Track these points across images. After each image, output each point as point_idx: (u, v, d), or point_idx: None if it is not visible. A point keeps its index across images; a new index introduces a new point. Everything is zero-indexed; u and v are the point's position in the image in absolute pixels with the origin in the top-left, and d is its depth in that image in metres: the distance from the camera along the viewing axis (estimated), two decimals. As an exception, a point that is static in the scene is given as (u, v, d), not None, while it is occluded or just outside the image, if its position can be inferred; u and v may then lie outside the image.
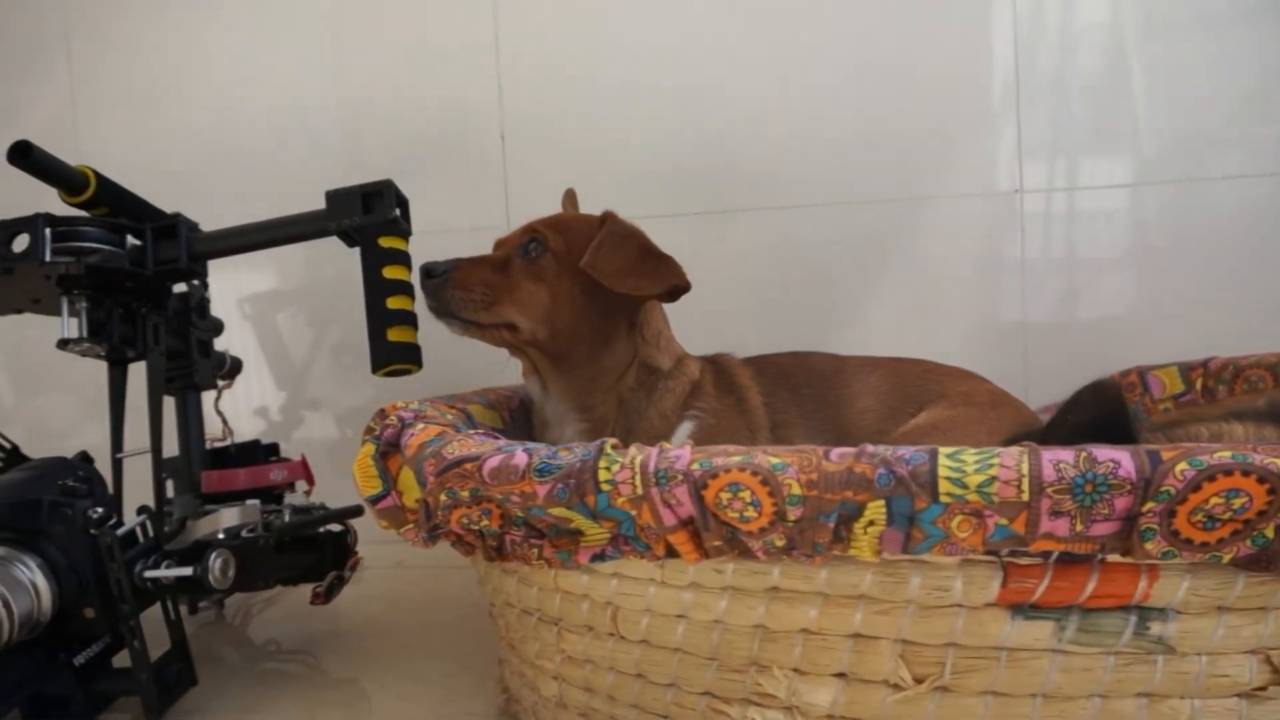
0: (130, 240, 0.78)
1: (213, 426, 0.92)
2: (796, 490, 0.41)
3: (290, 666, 0.78)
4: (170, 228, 0.79)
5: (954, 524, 0.39)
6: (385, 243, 0.77)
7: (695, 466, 0.43)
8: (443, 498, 0.51)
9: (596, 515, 0.46)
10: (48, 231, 0.73)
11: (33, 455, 0.83)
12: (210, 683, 0.70)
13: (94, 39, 1.25)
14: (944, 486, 0.39)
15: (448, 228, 1.06)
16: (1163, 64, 1.01)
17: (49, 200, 1.33)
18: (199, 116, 1.22)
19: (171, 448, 0.82)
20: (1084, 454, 0.38)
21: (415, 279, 0.76)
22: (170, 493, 0.81)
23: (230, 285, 1.23)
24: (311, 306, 1.25)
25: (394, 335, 0.75)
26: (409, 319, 0.76)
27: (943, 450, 0.40)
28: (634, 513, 0.44)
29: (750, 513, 0.42)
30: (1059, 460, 0.38)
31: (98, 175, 0.81)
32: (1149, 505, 0.37)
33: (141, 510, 0.67)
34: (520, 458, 0.48)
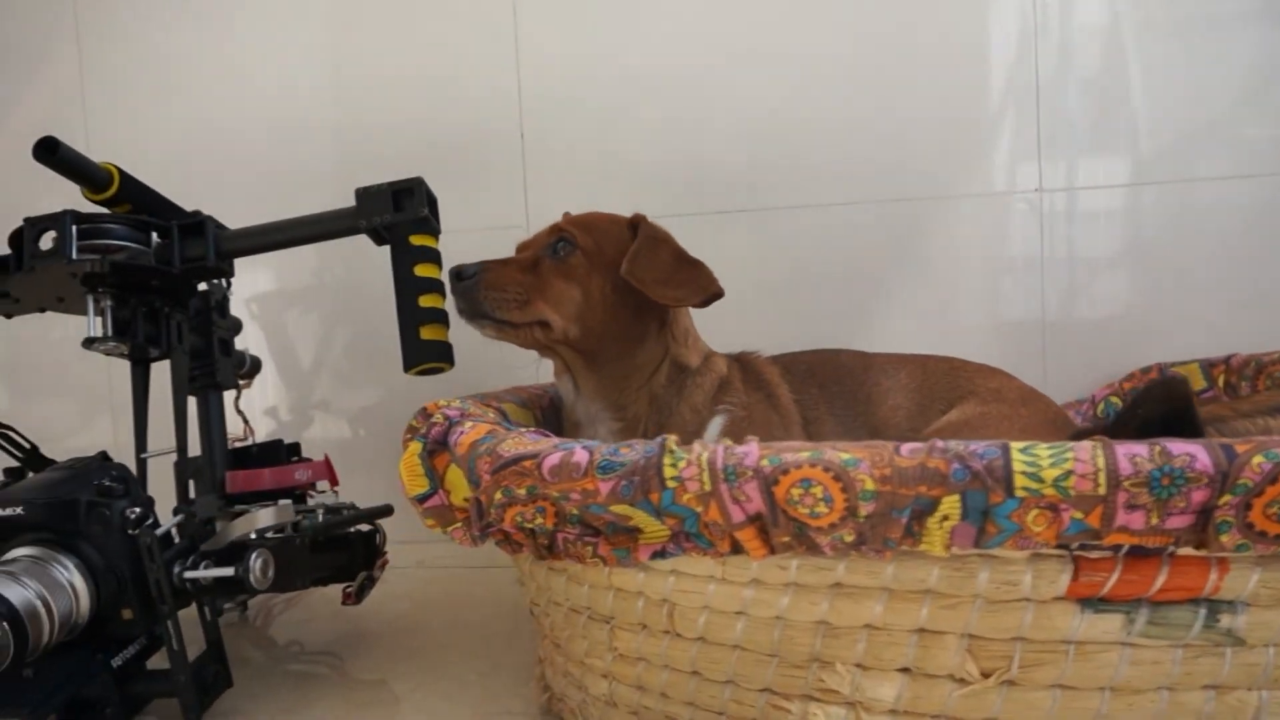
0: (154, 238, 0.78)
1: (230, 426, 0.91)
2: (870, 486, 0.41)
3: (322, 667, 0.77)
4: (197, 225, 0.78)
5: (1029, 518, 0.39)
6: (416, 240, 0.76)
7: (765, 462, 0.43)
8: (497, 496, 0.51)
9: (660, 512, 0.46)
10: (74, 229, 0.72)
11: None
12: (243, 684, 0.70)
13: (104, 33, 1.23)
14: (1019, 481, 0.39)
15: (467, 227, 1.05)
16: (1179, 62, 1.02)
17: (50, 196, 1.32)
18: (213, 113, 1.21)
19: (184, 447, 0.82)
20: (1158, 448, 0.38)
21: (440, 282, 0.75)
22: (190, 493, 0.81)
23: (238, 285, 1.22)
24: (320, 306, 1.24)
25: (427, 334, 0.74)
26: (441, 317, 0.75)
27: (1014, 445, 0.40)
28: (700, 509, 0.44)
29: (821, 508, 0.42)
30: (1134, 454, 0.38)
31: (121, 172, 0.80)
32: (1225, 498, 0.37)
33: (178, 511, 0.66)
34: (581, 455, 0.47)
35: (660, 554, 0.48)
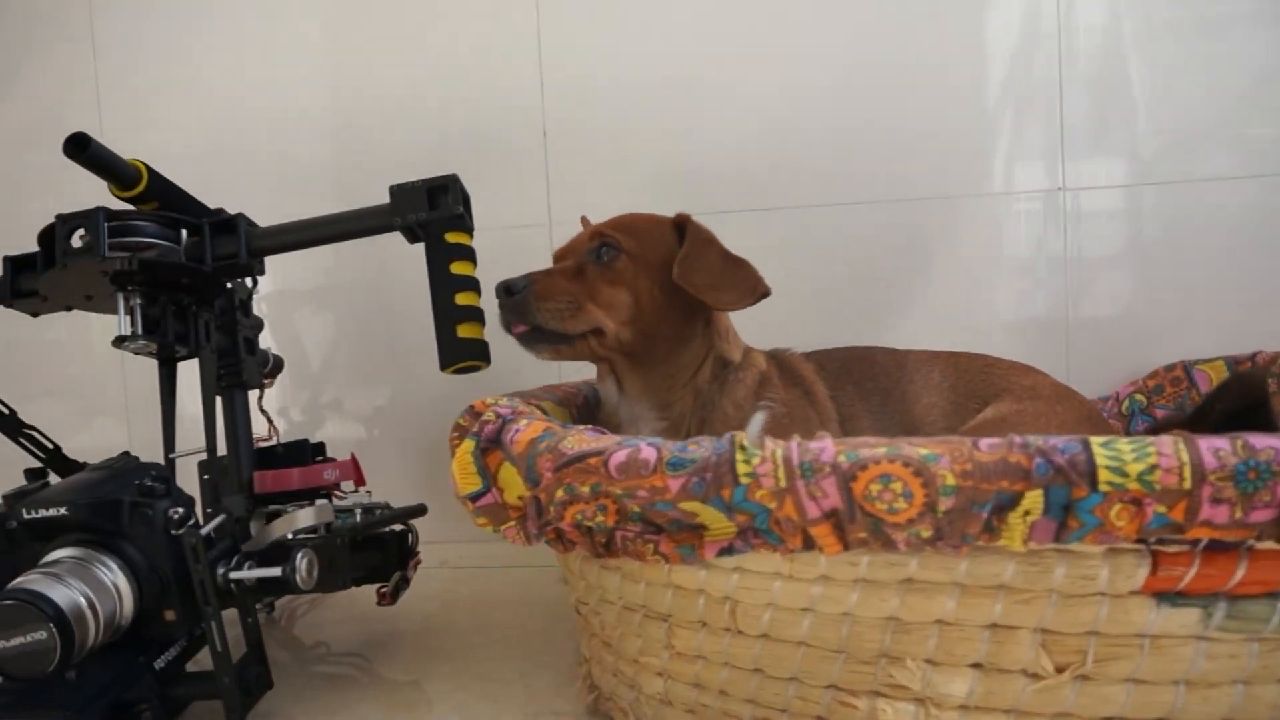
0: (184, 236, 0.77)
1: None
2: (951, 481, 0.41)
3: (357, 669, 0.76)
4: (228, 223, 0.78)
5: (1112, 513, 0.39)
6: (452, 238, 0.76)
7: (842, 458, 0.43)
8: (559, 494, 0.50)
9: (731, 509, 0.45)
10: (105, 226, 0.72)
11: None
12: (281, 686, 0.69)
13: (120, 28, 1.22)
14: (1103, 475, 0.39)
15: (488, 225, 1.04)
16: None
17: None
18: (228, 110, 1.20)
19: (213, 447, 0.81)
20: (1240, 442, 0.38)
21: (476, 280, 0.75)
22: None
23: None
24: (331, 307, 1.23)
25: (464, 332, 0.74)
26: (477, 315, 0.75)
27: (1094, 439, 0.40)
28: (773, 505, 0.44)
29: (900, 504, 0.42)
30: (1217, 448, 0.38)
31: (149, 169, 0.79)
32: (1310, 492, 0.37)
33: (218, 511, 0.65)
34: (649, 452, 0.47)
35: (727, 551, 0.48)
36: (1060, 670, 0.44)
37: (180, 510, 0.61)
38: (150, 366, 1.31)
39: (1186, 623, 0.42)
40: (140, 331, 0.74)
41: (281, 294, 1.25)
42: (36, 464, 0.84)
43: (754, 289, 0.71)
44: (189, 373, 0.80)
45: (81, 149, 0.73)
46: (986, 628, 0.45)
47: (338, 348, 1.25)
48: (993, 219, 1.05)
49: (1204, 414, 0.48)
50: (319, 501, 0.74)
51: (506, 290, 0.70)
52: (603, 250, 0.73)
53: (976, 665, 0.45)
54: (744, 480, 0.44)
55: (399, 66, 1.15)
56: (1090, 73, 1.04)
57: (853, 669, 0.48)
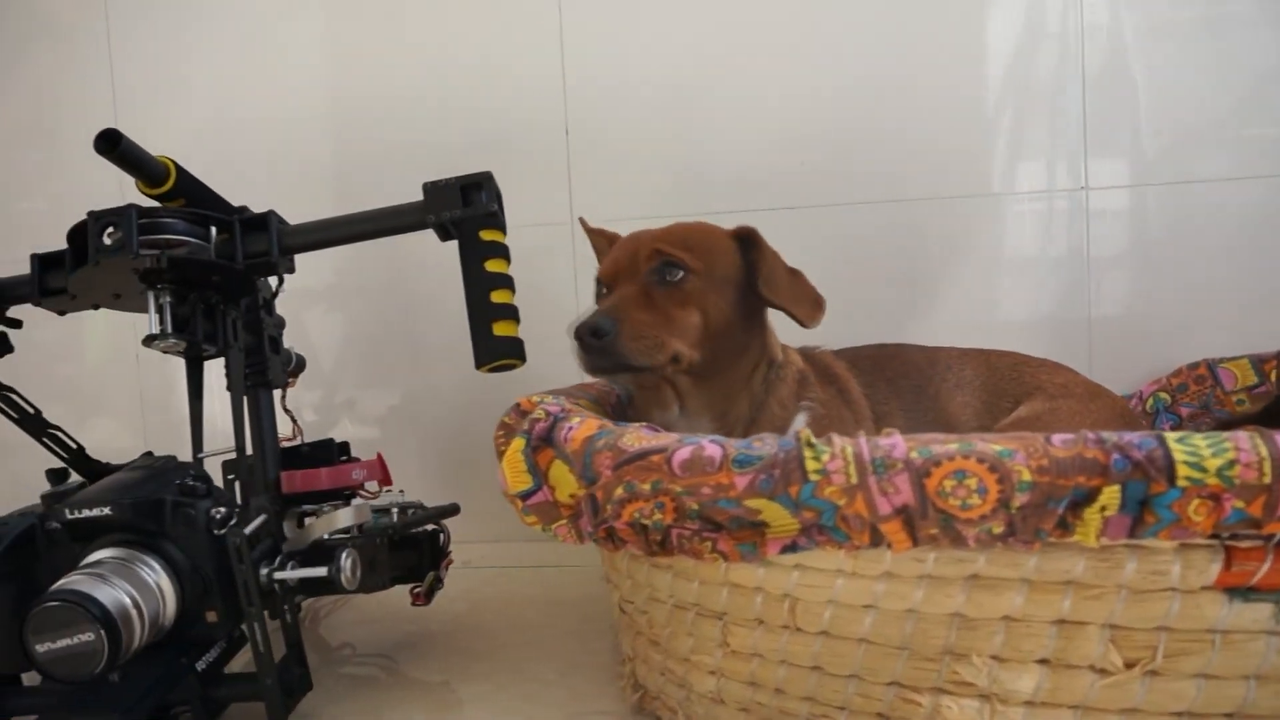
0: (213, 233, 0.76)
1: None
2: (1027, 476, 0.41)
3: (392, 669, 0.76)
4: (259, 220, 0.77)
5: (1190, 508, 0.39)
6: (486, 236, 0.75)
7: (914, 454, 0.43)
8: (618, 491, 0.50)
9: (798, 505, 0.45)
10: (137, 224, 0.71)
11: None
12: (317, 687, 0.68)
13: (135, 24, 1.21)
14: (1182, 471, 0.39)
15: (509, 223, 1.04)
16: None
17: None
18: (247, 105, 1.19)
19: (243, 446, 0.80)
20: (1317, 437, 0.39)
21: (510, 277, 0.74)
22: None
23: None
24: (340, 306, 1.23)
25: (500, 330, 0.73)
26: (513, 313, 0.74)
27: (1169, 435, 0.40)
28: (842, 502, 0.44)
29: (974, 500, 0.42)
30: (1295, 443, 0.38)
31: (177, 166, 0.79)
32: (1389, 486, 0.38)
33: (259, 511, 0.64)
34: (713, 450, 0.47)
35: (789, 548, 0.48)
36: (1129, 666, 0.44)
37: (222, 510, 0.61)
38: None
39: (1258, 618, 0.42)
40: (170, 330, 0.73)
41: (291, 293, 1.24)
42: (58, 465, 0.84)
43: (817, 299, 0.71)
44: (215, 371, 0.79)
45: (113, 146, 0.72)
46: (1054, 623, 0.45)
47: (349, 348, 1.25)
48: (1013, 218, 1.05)
49: (1274, 413, 0.48)
50: (357, 501, 0.73)
51: (594, 333, 0.66)
52: (666, 270, 0.70)
53: (1043, 661, 0.45)
54: (813, 477, 0.44)
55: (419, 64, 1.14)
56: (1102, 71, 1.04)
57: (916, 665, 0.48)
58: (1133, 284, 1.04)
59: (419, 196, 0.75)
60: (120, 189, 1.17)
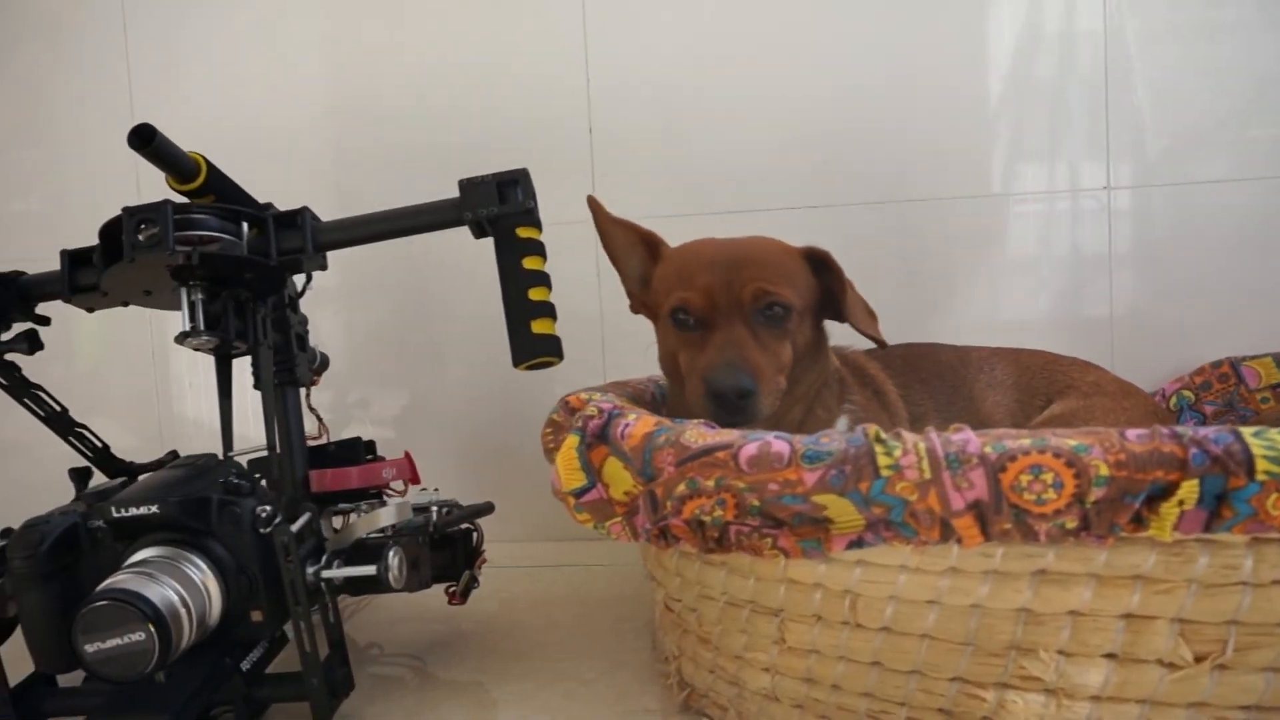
0: (245, 229, 0.76)
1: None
2: (1104, 471, 0.41)
3: (427, 669, 0.75)
4: (292, 216, 0.76)
5: (1269, 502, 0.40)
6: (523, 233, 0.75)
7: (989, 449, 0.43)
8: (680, 488, 0.50)
9: (868, 501, 0.45)
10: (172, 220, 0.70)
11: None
12: (362, 687, 0.68)
13: (136, 24, 1.20)
14: (1261, 465, 0.39)
15: (532, 221, 1.05)
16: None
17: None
18: (267, 101, 1.18)
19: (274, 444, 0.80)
20: (1392, 431, 0.39)
21: (547, 275, 0.74)
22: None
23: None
24: (350, 306, 1.22)
25: (538, 328, 0.73)
26: (550, 311, 0.74)
27: (1245, 430, 0.41)
28: (913, 498, 0.44)
29: (1049, 494, 0.42)
30: (1373, 437, 0.39)
31: (208, 162, 0.78)
32: None
33: (304, 510, 0.64)
34: (781, 445, 0.47)
35: (855, 544, 0.48)
36: (1199, 660, 0.44)
37: (268, 508, 0.60)
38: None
39: (1329, 611, 0.42)
40: (202, 327, 0.73)
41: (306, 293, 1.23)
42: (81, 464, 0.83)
43: (873, 313, 0.72)
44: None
45: (147, 141, 0.72)
46: (1122, 617, 0.45)
47: (361, 347, 1.24)
48: (1039, 217, 1.06)
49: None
50: (398, 500, 0.73)
51: (739, 394, 0.64)
52: (771, 309, 0.68)
53: (1110, 655, 0.45)
54: (885, 472, 0.44)
55: (443, 61, 1.14)
56: (1157, 71, 1.05)
57: (980, 661, 0.48)
58: (1143, 283, 1.05)
59: (437, 197, 0.74)
60: (136, 187, 1.17)
